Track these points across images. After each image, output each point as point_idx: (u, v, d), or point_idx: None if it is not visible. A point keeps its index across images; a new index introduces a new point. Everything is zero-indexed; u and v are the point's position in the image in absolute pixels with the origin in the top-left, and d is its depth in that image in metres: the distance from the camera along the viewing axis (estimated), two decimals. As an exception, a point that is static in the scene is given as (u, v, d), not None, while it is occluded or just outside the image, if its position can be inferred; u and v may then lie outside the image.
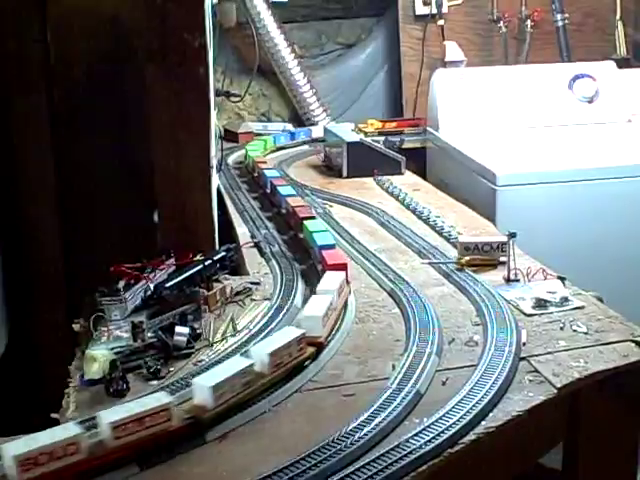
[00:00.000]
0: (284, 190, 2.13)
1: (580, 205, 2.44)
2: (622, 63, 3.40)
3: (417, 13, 3.42)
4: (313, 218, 1.88)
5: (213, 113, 1.81)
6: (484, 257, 1.74)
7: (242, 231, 2.02)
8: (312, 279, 1.65)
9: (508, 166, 2.46)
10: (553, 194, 2.41)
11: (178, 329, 1.37)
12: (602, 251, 2.43)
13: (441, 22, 3.42)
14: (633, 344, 1.38)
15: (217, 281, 1.62)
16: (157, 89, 1.66)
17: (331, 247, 1.68)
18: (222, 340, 1.41)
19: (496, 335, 1.38)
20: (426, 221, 2.06)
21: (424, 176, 2.83)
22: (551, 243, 2.29)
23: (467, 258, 1.73)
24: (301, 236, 1.86)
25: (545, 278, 1.67)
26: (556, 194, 2.41)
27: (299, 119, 3.43)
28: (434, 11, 3.41)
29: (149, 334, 1.37)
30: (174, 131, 1.66)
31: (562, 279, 1.66)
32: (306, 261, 1.76)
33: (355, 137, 2.59)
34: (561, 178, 2.43)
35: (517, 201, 2.37)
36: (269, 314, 1.50)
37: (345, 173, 2.53)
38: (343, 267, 1.58)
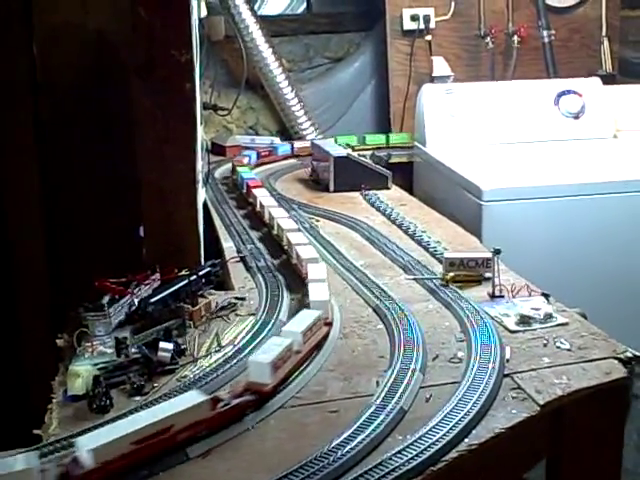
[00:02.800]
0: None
1: (566, 221, 2.45)
2: (608, 79, 3.44)
3: (405, 28, 3.45)
4: (244, 166, 2.69)
5: (200, 127, 1.82)
6: (469, 273, 1.75)
7: (228, 245, 2.02)
8: (298, 294, 1.65)
9: (494, 181, 2.47)
10: (539, 210, 2.42)
11: (162, 345, 1.37)
12: (587, 267, 2.44)
13: (429, 37, 3.45)
14: (616, 361, 1.38)
15: (202, 296, 1.61)
16: (143, 104, 1.66)
17: (253, 179, 2.47)
18: (207, 356, 1.41)
19: (480, 351, 1.38)
20: (412, 236, 2.06)
21: (411, 191, 2.85)
22: (536, 259, 2.30)
23: (452, 274, 1.73)
24: (287, 252, 1.87)
25: (529, 294, 1.67)
26: (542, 210, 2.42)
27: (287, 133, 3.44)
28: (422, 26, 3.44)
29: (133, 350, 1.36)
30: (159, 146, 1.66)
31: (546, 295, 1.67)
32: (292, 276, 1.77)
33: (342, 151, 2.60)
34: (547, 194, 2.44)
35: (503, 216, 2.37)
36: (254, 329, 1.50)
37: (332, 187, 2.54)
38: (261, 185, 2.39)
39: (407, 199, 2.52)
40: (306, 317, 1.41)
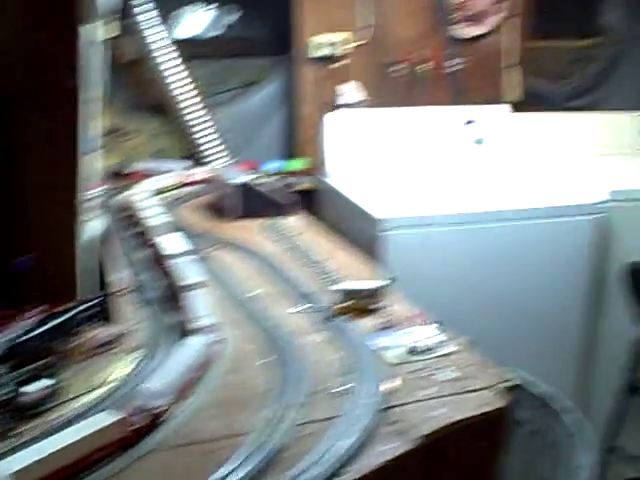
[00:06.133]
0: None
1: (462, 249, 2.48)
2: (514, 107, 3.52)
3: (316, 54, 3.46)
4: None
5: (94, 154, 1.77)
6: (362, 303, 1.75)
7: (118, 277, 1.95)
8: (184, 328, 1.62)
9: (390, 210, 2.47)
10: (436, 238, 2.44)
11: (36, 383, 1.32)
12: (483, 294, 2.48)
13: (339, 64, 3.47)
14: (498, 390, 1.40)
15: (85, 331, 1.57)
16: (27, 131, 1.61)
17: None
18: (85, 394, 1.36)
19: (364, 384, 1.38)
20: (310, 265, 2.05)
21: (315, 218, 2.84)
22: (434, 287, 2.32)
23: (345, 304, 1.73)
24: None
25: (421, 324, 1.68)
26: (439, 238, 2.44)
27: (197, 157, 3.40)
28: (333, 52, 3.46)
29: (5, 390, 1.30)
30: (43, 175, 1.61)
31: (438, 324, 1.68)
32: (178, 310, 1.73)
33: (242, 179, 2.58)
34: (444, 222, 2.47)
35: (399, 245, 2.38)
36: (139, 365, 1.47)
37: (234, 215, 2.51)
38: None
39: (308, 227, 2.50)
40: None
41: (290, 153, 3.50)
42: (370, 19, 3.48)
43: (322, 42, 3.42)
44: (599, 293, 2.83)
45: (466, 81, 3.66)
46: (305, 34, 3.43)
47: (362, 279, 1.90)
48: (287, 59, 3.63)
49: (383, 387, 1.38)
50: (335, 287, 1.79)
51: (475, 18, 3.69)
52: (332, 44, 3.42)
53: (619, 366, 2.72)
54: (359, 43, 3.48)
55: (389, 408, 1.33)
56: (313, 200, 3.04)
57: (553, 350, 2.78)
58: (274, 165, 3.26)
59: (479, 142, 3.15)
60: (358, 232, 2.48)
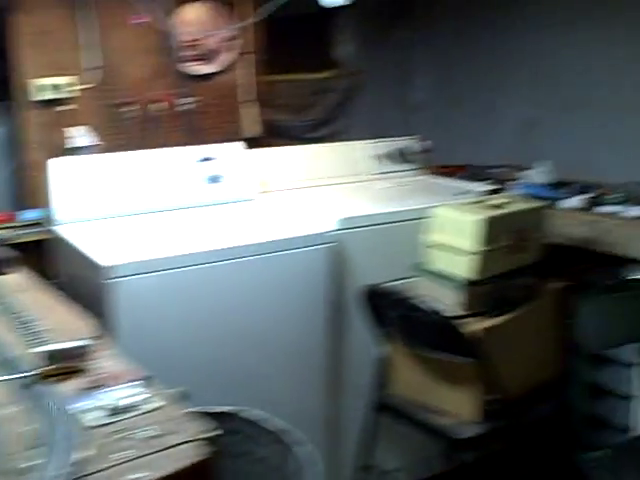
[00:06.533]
0: None
1: (197, 290, 2.40)
2: (253, 142, 3.59)
3: (40, 98, 3.30)
4: None
5: None
6: (70, 364, 1.66)
7: None
8: None
9: (117, 256, 2.37)
10: (168, 281, 2.34)
11: None
12: (223, 335, 2.43)
13: (67, 107, 3.34)
14: (200, 442, 1.38)
15: None
16: None
17: None
18: None
19: (56, 456, 1.31)
20: (21, 327, 1.92)
21: (43, 272, 2.68)
22: (169, 333, 2.24)
23: (50, 367, 1.64)
24: None
25: (129, 381, 1.62)
26: (171, 281, 2.34)
27: None
28: (61, 95, 3.33)
29: None
30: None
31: (148, 379, 1.63)
32: None
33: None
34: (176, 264, 2.38)
35: (130, 293, 2.26)
36: None
37: (-57, 278, 2.31)
38: None
39: (29, 284, 2.33)
40: None
41: (23, 202, 3.31)
42: (97, 61, 3.40)
43: (45, 85, 3.28)
44: (340, 318, 2.93)
45: (203, 119, 3.69)
46: (26, 77, 3.27)
47: (78, 336, 1.81)
48: (13, 103, 3.44)
49: (76, 456, 1.31)
50: (39, 349, 1.69)
51: (206, 57, 3.73)
52: (56, 87, 3.29)
53: (366, 386, 2.83)
54: (87, 85, 3.38)
55: (82, 478, 1.26)
56: (39, 252, 2.88)
57: (301, 379, 2.83)
58: (32, 215, 3.06)
59: (214, 180, 3.16)
60: (86, 283, 2.36)
